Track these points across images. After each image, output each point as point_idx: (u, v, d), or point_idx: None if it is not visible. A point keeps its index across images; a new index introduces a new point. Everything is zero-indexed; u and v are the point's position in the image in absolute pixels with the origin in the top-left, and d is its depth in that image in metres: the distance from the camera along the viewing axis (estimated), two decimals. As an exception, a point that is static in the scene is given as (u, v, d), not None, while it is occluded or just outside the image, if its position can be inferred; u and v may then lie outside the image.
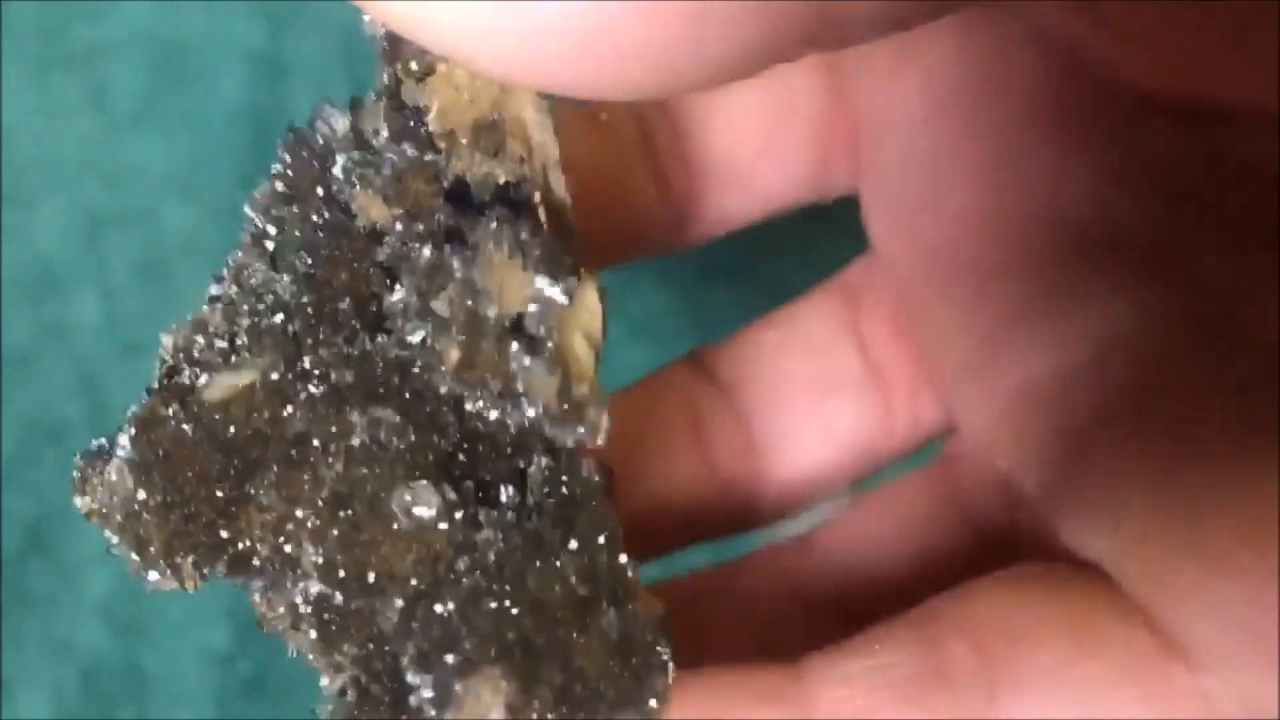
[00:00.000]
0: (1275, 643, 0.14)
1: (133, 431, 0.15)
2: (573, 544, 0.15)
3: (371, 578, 0.15)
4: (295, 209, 0.15)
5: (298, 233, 0.15)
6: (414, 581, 0.15)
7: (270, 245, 0.15)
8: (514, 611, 0.14)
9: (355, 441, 0.15)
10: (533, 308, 0.14)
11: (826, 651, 0.17)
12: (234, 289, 0.15)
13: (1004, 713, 0.15)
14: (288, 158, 0.15)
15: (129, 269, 0.33)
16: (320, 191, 0.15)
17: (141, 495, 0.15)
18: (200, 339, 0.15)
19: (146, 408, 0.15)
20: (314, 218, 0.15)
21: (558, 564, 0.15)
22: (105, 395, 0.33)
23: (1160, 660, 0.15)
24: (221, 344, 0.15)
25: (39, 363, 0.33)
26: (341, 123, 0.15)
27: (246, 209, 0.15)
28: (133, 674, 0.31)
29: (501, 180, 0.14)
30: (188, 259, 0.33)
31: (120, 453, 0.15)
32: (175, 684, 0.31)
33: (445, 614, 0.15)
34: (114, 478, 0.15)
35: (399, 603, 0.15)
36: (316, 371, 0.15)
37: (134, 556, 0.15)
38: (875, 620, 0.17)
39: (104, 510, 0.15)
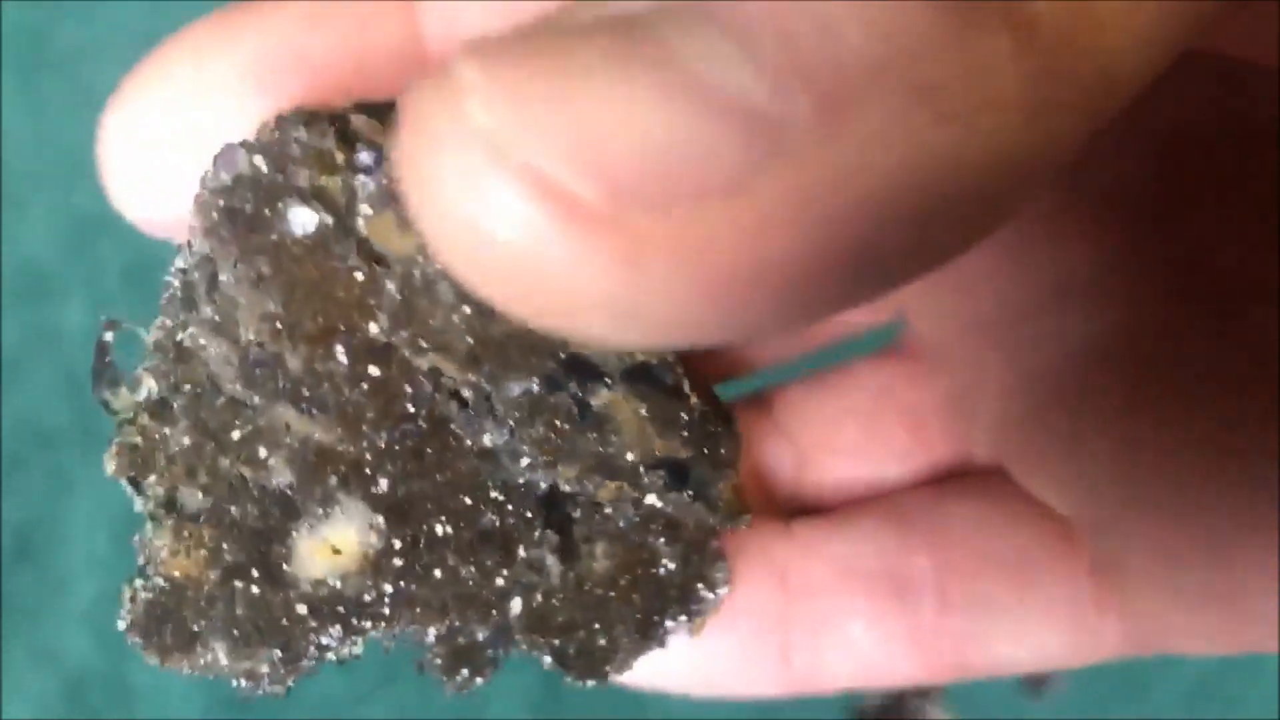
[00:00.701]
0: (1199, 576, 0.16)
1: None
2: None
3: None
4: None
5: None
6: None
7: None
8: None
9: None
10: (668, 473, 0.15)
11: (818, 524, 0.18)
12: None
13: (947, 630, 0.17)
14: None
15: (119, 273, 0.33)
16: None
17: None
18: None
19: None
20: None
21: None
22: (92, 403, 0.32)
23: (1092, 602, 0.17)
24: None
25: (27, 367, 0.32)
26: None
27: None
28: (118, 684, 0.31)
29: (640, 360, 0.15)
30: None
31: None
32: (161, 695, 0.31)
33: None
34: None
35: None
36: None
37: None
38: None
39: None
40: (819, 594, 0.18)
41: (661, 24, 0.09)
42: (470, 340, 0.14)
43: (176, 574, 0.15)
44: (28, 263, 0.33)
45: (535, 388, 0.15)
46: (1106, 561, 0.17)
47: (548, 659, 0.16)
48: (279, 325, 0.14)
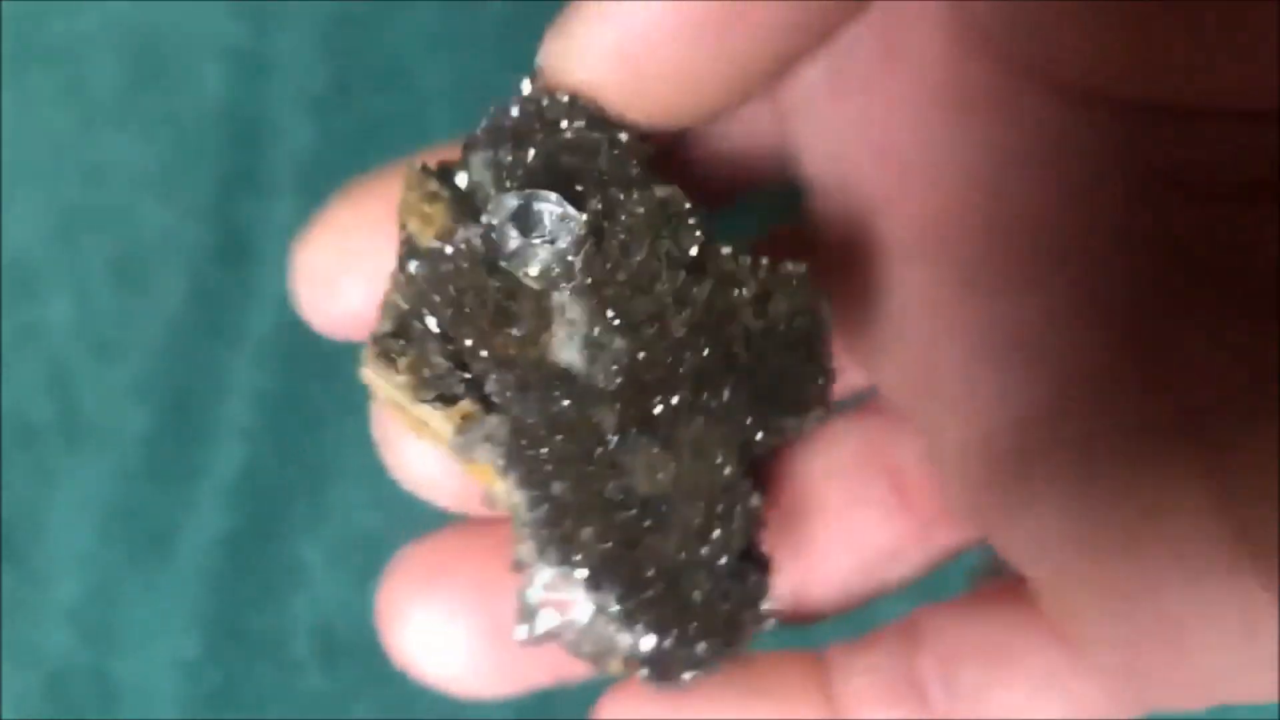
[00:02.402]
0: (1156, 635, 0.17)
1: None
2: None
3: None
4: None
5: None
6: None
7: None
8: None
9: None
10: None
11: (846, 648, 0.20)
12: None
13: (959, 713, 0.19)
14: None
15: (104, 268, 0.33)
16: None
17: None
18: None
19: None
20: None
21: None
22: (77, 396, 0.32)
23: (1069, 673, 0.19)
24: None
25: (9, 363, 0.32)
26: None
27: None
28: (99, 681, 0.31)
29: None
30: (164, 259, 0.32)
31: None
32: (144, 692, 0.31)
33: None
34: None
35: None
36: None
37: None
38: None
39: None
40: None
41: None
42: None
43: None
44: (11, 257, 0.33)
45: None
46: (1064, 618, 0.18)
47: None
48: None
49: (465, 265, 0.16)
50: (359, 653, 0.31)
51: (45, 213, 0.33)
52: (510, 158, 0.16)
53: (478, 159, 0.17)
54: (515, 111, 0.17)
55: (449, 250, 0.17)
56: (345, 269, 0.19)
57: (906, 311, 0.19)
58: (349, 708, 0.31)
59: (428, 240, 0.17)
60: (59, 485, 0.32)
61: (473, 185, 0.17)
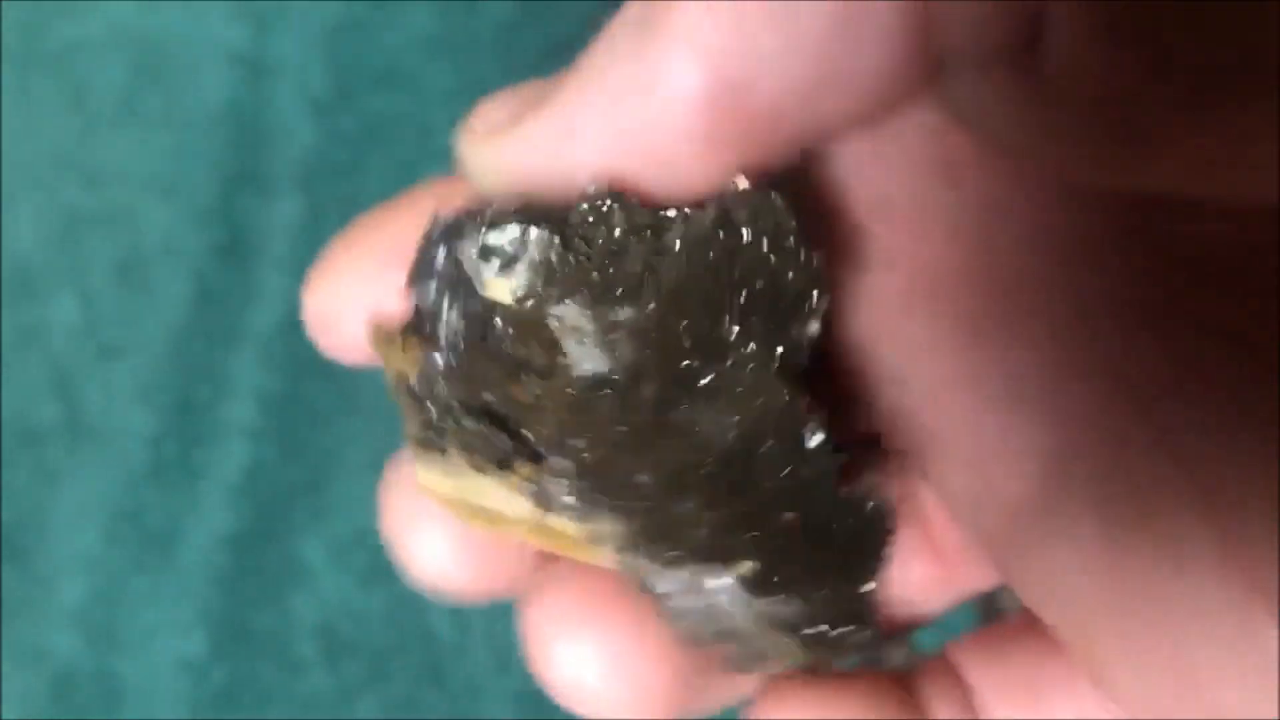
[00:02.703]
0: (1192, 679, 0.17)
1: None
2: None
3: None
4: None
5: None
6: None
7: None
8: None
9: None
10: None
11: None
12: None
13: None
14: None
15: (107, 270, 0.33)
16: None
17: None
18: None
19: None
20: None
21: None
22: (81, 398, 0.32)
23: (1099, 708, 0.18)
24: None
25: (14, 364, 0.32)
26: None
27: None
28: (105, 682, 0.31)
29: None
30: (166, 260, 0.33)
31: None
32: (148, 692, 0.31)
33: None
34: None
35: None
36: None
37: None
38: None
39: None
40: None
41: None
42: None
43: None
44: (16, 259, 0.33)
45: None
46: (1087, 662, 0.18)
47: None
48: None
49: (462, 349, 0.17)
50: (362, 651, 0.31)
51: (48, 215, 0.33)
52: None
53: (422, 287, 0.17)
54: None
55: (437, 358, 0.17)
56: (350, 310, 0.19)
57: (908, 361, 0.19)
58: (352, 706, 0.31)
59: (415, 377, 0.17)
60: (62, 486, 0.32)
61: (429, 307, 0.17)
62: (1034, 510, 0.18)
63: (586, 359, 0.17)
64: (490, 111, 0.16)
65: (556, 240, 0.16)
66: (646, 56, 0.15)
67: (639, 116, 0.15)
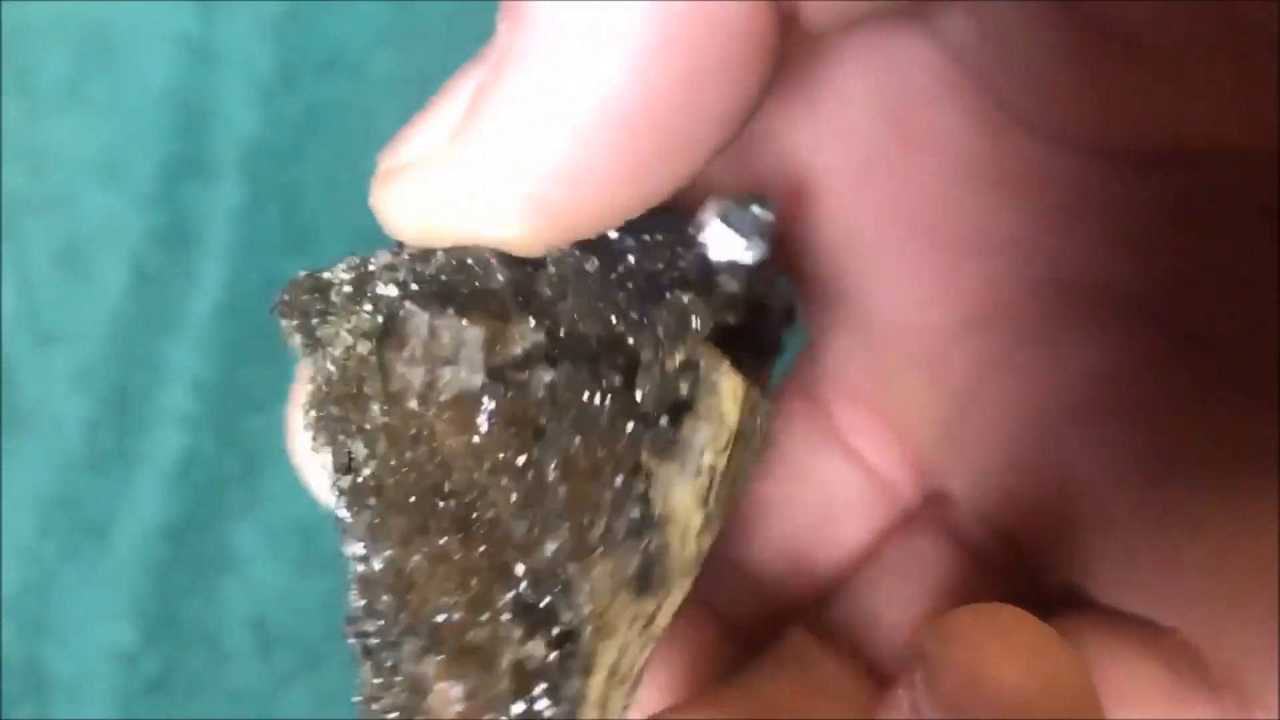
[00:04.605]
0: None
1: None
2: None
3: None
4: None
5: None
6: None
7: None
8: None
9: None
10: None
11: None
12: None
13: None
14: None
15: (46, 255, 0.32)
16: None
17: None
18: None
19: None
20: None
21: None
22: (19, 389, 0.32)
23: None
24: None
25: (-50, 350, 0.32)
26: None
27: None
28: (33, 672, 0.30)
29: None
30: (106, 245, 0.32)
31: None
32: (77, 682, 0.30)
33: None
34: None
35: None
36: None
37: None
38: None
39: None
40: None
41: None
42: None
43: None
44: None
45: None
46: (1220, 665, 0.17)
47: None
48: None
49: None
50: (295, 642, 0.31)
51: (-14, 200, 0.33)
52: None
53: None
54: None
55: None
56: None
57: (955, 377, 0.20)
58: (284, 697, 0.31)
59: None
60: (-3, 475, 0.31)
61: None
62: (1154, 503, 0.18)
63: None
64: (390, 155, 0.16)
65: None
66: (464, 165, 0.15)
67: (471, 209, 0.15)
